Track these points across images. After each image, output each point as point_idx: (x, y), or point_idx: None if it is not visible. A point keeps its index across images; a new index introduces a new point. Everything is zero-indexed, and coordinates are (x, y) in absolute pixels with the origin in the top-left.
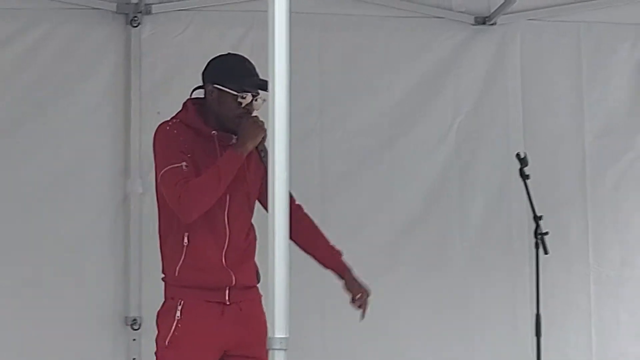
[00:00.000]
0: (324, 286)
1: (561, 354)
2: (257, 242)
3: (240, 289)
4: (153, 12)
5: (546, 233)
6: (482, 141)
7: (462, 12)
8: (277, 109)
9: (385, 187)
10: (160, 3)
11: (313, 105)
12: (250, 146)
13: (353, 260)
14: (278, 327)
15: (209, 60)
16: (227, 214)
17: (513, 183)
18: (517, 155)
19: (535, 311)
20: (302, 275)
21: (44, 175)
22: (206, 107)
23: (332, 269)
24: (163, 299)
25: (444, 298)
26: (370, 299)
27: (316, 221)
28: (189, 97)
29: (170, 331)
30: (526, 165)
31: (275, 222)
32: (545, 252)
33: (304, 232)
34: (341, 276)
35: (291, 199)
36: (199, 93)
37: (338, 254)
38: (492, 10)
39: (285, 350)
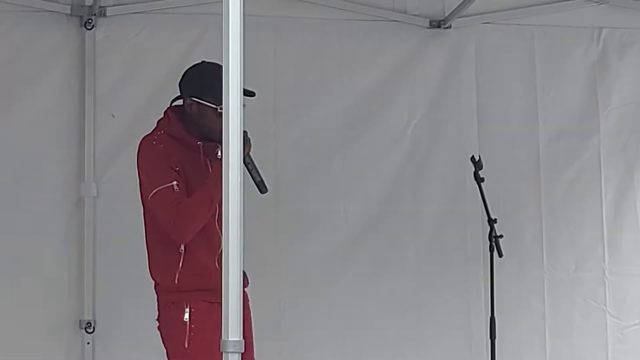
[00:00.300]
0: (279, 290)
1: (515, 357)
2: None
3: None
4: (107, 14)
5: (500, 236)
6: (436, 144)
7: (417, 15)
8: (230, 112)
9: (339, 190)
10: (114, 5)
11: (267, 108)
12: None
13: (306, 263)
14: (232, 330)
15: (184, 71)
16: (218, 219)
17: (467, 186)
18: (472, 158)
19: (489, 314)
20: (256, 279)
21: None
22: (187, 117)
23: None
24: (159, 307)
25: (398, 301)
26: (325, 302)
27: (271, 225)
28: (168, 106)
29: (185, 335)
30: (480, 168)
31: (228, 226)
32: (500, 255)
33: None
34: None
35: None
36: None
37: None
38: (447, 14)
39: (239, 353)
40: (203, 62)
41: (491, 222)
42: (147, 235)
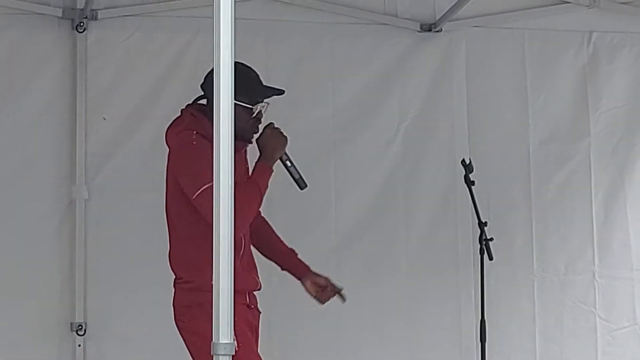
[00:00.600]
0: (270, 291)
1: (505, 359)
2: None
3: (254, 294)
4: (99, 17)
5: (491, 239)
6: (427, 147)
7: (408, 18)
8: (221, 116)
9: (330, 193)
10: (106, 9)
11: None
12: (277, 156)
13: None
14: (222, 333)
15: (209, 72)
16: None
17: (458, 189)
18: (462, 161)
19: (479, 317)
20: None
21: None
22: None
23: (292, 269)
24: (184, 304)
25: (389, 303)
26: (314, 304)
27: None
28: (189, 104)
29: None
30: (471, 171)
31: (219, 229)
32: (490, 258)
33: (264, 238)
34: (302, 274)
35: None
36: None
37: (295, 252)
38: (437, 17)
39: (229, 355)
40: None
41: (481, 225)
42: (182, 233)
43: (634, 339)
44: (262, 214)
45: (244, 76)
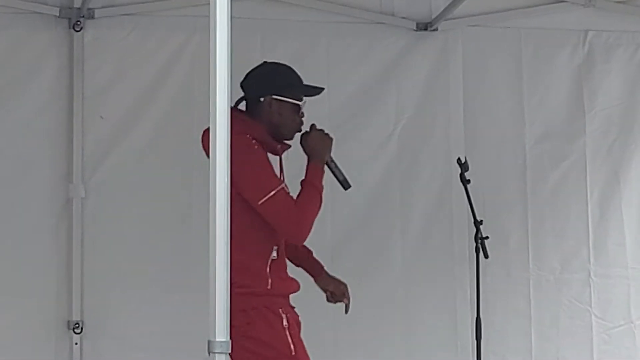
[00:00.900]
0: None
1: (501, 357)
2: None
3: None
4: (96, 16)
5: (486, 237)
6: (423, 146)
7: (404, 17)
8: (218, 115)
9: (326, 191)
10: (103, 8)
11: None
12: (327, 157)
13: (290, 264)
14: (219, 331)
15: (251, 72)
16: None
17: (454, 188)
18: (458, 160)
19: (475, 315)
20: None
21: None
22: (264, 118)
23: (306, 266)
24: (239, 309)
25: (385, 302)
26: (311, 302)
27: None
28: (233, 106)
29: (289, 340)
30: (467, 170)
31: (216, 227)
32: (486, 257)
33: None
34: (316, 273)
35: None
36: None
37: (310, 250)
38: (433, 16)
39: (226, 353)
40: (273, 62)
41: (477, 223)
42: (246, 238)
43: (629, 338)
44: None
45: (287, 73)
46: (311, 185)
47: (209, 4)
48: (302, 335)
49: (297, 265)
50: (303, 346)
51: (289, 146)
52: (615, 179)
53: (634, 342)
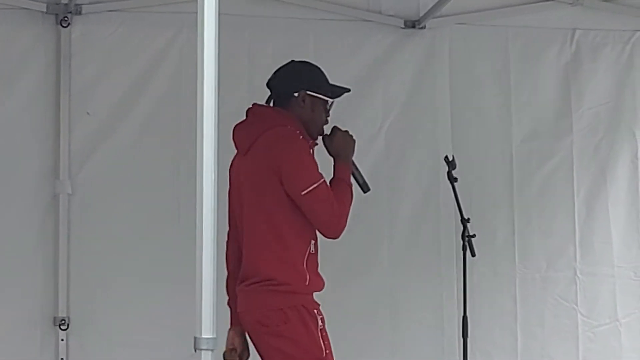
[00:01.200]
0: None
1: (487, 355)
2: None
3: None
4: (83, 12)
5: (473, 235)
6: (410, 144)
7: (391, 15)
8: (205, 111)
9: None
10: (90, 4)
11: (242, 108)
12: (351, 157)
13: None
14: (205, 328)
15: (279, 69)
16: None
17: (441, 186)
18: (445, 158)
19: (462, 313)
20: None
21: None
22: (298, 114)
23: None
24: (275, 307)
25: (371, 299)
26: None
27: None
28: (264, 104)
29: (321, 343)
30: (454, 168)
31: (202, 224)
32: (473, 255)
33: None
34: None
35: None
36: None
37: None
38: (421, 14)
39: (212, 350)
40: (301, 61)
41: (464, 221)
42: (276, 231)
43: (614, 336)
44: None
45: (319, 71)
46: (343, 182)
47: (196, 0)
48: None
49: None
50: (331, 348)
51: (316, 143)
52: (602, 178)
53: (620, 341)
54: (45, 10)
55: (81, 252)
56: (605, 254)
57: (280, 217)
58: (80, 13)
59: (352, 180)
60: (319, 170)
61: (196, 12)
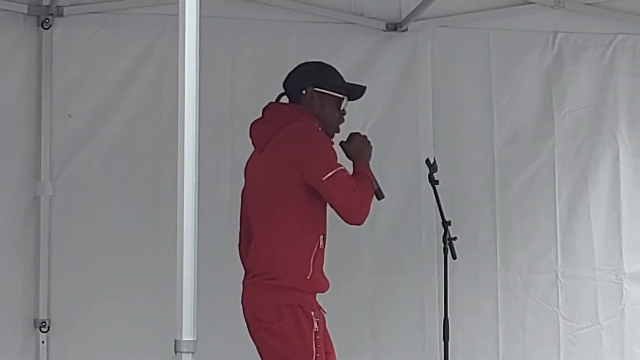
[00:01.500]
0: (237, 290)
1: (468, 358)
2: None
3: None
4: (65, 14)
5: (455, 238)
6: (392, 147)
7: (373, 18)
8: (186, 114)
9: None
10: (72, 5)
11: (224, 110)
12: (368, 162)
13: None
14: (185, 330)
15: (292, 71)
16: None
17: (422, 188)
18: (427, 160)
19: (443, 315)
20: (213, 280)
21: None
22: (310, 111)
23: None
24: (270, 304)
25: (352, 302)
26: None
27: (226, 226)
28: (275, 101)
29: (313, 347)
30: (435, 170)
31: (183, 226)
32: (454, 257)
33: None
34: None
35: None
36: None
37: None
38: (403, 17)
39: (193, 353)
40: (316, 61)
41: (445, 224)
42: (283, 224)
43: (596, 339)
44: None
45: (328, 69)
46: (364, 176)
47: (178, 2)
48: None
49: None
50: (324, 352)
51: (332, 142)
52: (583, 181)
53: (601, 344)
54: (26, 12)
55: (62, 254)
56: (586, 257)
57: (294, 211)
58: (61, 15)
59: None
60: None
61: (178, 14)
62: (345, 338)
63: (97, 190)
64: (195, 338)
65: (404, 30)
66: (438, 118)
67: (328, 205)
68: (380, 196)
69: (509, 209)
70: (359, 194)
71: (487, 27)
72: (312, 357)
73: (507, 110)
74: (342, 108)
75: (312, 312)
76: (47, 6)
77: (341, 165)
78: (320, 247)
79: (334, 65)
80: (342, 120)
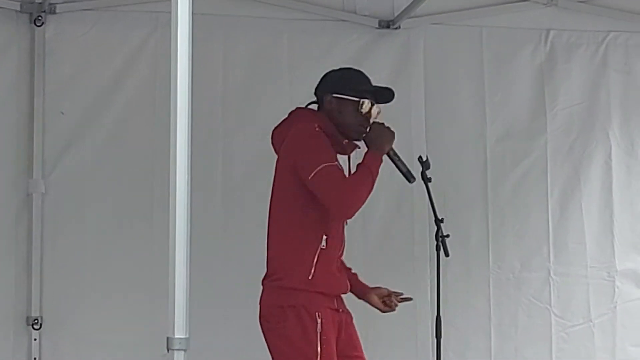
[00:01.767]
0: (226, 290)
1: (461, 356)
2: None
3: (341, 297)
4: (57, 11)
5: (447, 236)
6: None
7: (366, 15)
8: (179, 111)
9: None
10: (64, 2)
11: (216, 107)
12: (386, 149)
13: (254, 265)
14: (178, 328)
15: (322, 76)
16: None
17: (415, 186)
18: (419, 158)
19: (435, 313)
20: (204, 279)
21: None
22: (330, 116)
23: (353, 286)
24: (275, 304)
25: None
26: None
27: (219, 224)
28: (302, 107)
29: (317, 347)
30: (428, 168)
31: (175, 224)
32: (446, 255)
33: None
34: (363, 292)
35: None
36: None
37: (355, 274)
38: (396, 14)
39: (185, 350)
40: (345, 67)
41: (438, 222)
42: (282, 224)
43: (588, 336)
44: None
45: (347, 74)
46: (365, 167)
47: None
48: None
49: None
50: (332, 354)
51: (358, 147)
52: (575, 178)
53: (593, 341)
54: (19, 9)
55: (54, 251)
56: (578, 255)
57: (294, 212)
58: (54, 12)
59: (394, 172)
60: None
61: (170, 12)
62: None
63: (89, 187)
64: (187, 335)
65: (396, 28)
66: (431, 115)
67: None
68: (410, 178)
69: (502, 206)
70: (344, 187)
71: (480, 25)
72: (317, 358)
73: (499, 108)
74: (364, 112)
75: (317, 313)
76: (40, 3)
77: (329, 161)
78: (323, 247)
79: (360, 70)
80: (365, 124)
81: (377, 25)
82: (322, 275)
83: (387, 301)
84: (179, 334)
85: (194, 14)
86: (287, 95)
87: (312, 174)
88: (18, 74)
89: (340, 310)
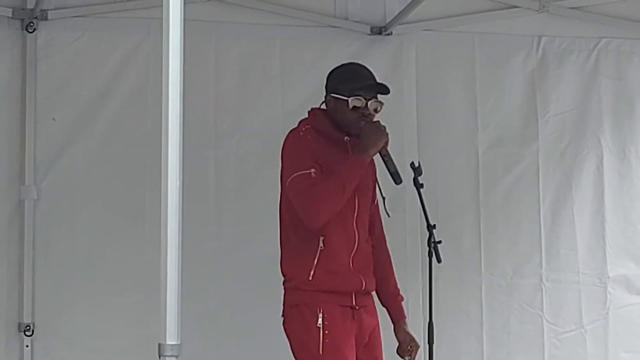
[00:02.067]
0: (218, 294)
1: None
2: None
3: (363, 294)
4: (49, 18)
5: (439, 242)
6: None
7: (358, 21)
8: (170, 117)
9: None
10: (56, 9)
11: (208, 113)
12: (373, 151)
13: (246, 268)
14: (169, 334)
15: (330, 72)
16: (356, 218)
17: (407, 192)
18: (411, 164)
19: (427, 319)
20: (196, 283)
21: None
22: (330, 114)
23: (390, 310)
24: (286, 305)
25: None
26: (262, 308)
27: (211, 230)
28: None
29: (319, 341)
30: (420, 174)
31: (167, 230)
32: (439, 261)
33: (380, 267)
34: (395, 320)
35: (382, 233)
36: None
37: (401, 297)
38: (388, 20)
39: (176, 357)
40: (349, 62)
41: (430, 228)
42: (283, 228)
43: (580, 343)
44: (382, 247)
45: (344, 72)
46: (338, 175)
47: (162, 6)
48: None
49: (383, 304)
50: (341, 349)
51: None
52: (567, 184)
53: (585, 348)
54: (10, 15)
55: (46, 258)
56: (570, 261)
57: (291, 216)
58: (46, 18)
59: (379, 171)
60: (311, 160)
61: (162, 18)
62: None
63: (81, 194)
64: (179, 342)
65: (388, 34)
66: (422, 122)
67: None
68: (397, 180)
69: (494, 212)
70: (308, 197)
71: (472, 31)
72: (319, 351)
73: (491, 114)
74: (358, 109)
75: (319, 309)
76: (32, 10)
77: (305, 168)
78: (322, 248)
79: (361, 64)
80: (362, 120)
81: (369, 32)
82: (324, 275)
83: (406, 349)
84: (171, 340)
85: (185, 20)
86: (279, 101)
87: (286, 184)
88: (10, 80)
89: (358, 307)
